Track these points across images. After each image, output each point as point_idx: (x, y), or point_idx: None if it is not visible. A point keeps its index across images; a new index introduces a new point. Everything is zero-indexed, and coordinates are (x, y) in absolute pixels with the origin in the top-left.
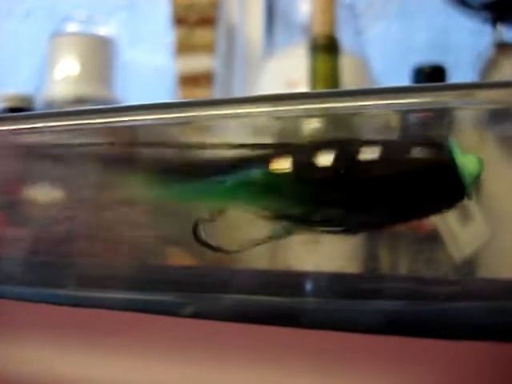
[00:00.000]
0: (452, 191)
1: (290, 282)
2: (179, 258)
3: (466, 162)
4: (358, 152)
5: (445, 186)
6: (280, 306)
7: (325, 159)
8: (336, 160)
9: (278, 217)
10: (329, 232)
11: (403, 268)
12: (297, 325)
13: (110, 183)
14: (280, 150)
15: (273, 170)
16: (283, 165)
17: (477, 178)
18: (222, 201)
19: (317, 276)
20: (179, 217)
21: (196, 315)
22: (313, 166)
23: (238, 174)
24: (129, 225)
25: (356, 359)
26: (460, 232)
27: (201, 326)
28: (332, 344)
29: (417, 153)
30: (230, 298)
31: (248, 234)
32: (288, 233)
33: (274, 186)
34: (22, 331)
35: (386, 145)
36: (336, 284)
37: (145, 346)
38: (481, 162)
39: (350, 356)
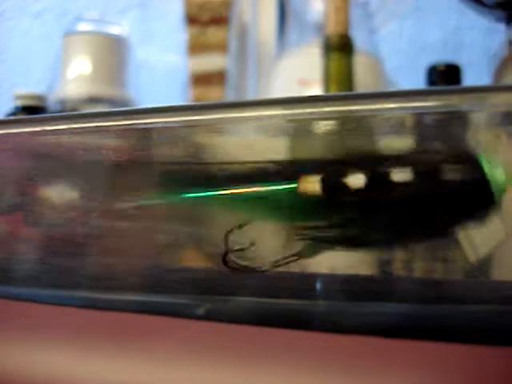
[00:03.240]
0: (481, 203)
1: (303, 284)
2: (193, 260)
3: (495, 175)
4: (386, 170)
5: (475, 198)
6: (293, 308)
7: (353, 181)
8: (365, 181)
9: (302, 234)
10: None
11: (417, 269)
12: (309, 328)
13: (127, 185)
14: (307, 168)
15: (300, 191)
16: (311, 186)
17: (505, 191)
18: (243, 213)
19: (329, 278)
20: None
21: (209, 317)
22: (340, 187)
23: (262, 188)
24: (144, 228)
25: (368, 362)
26: (475, 233)
27: (214, 328)
28: (344, 347)
29: (447, 166)
30: (243, 301)
31: (274, 250)
32: (314, 252)
33: (299, 205)
34: (40, 333)
35: (414, 158)
36: (349, 286)
37: (160, 348)
38: (509, 175)
39: (361, 359)
